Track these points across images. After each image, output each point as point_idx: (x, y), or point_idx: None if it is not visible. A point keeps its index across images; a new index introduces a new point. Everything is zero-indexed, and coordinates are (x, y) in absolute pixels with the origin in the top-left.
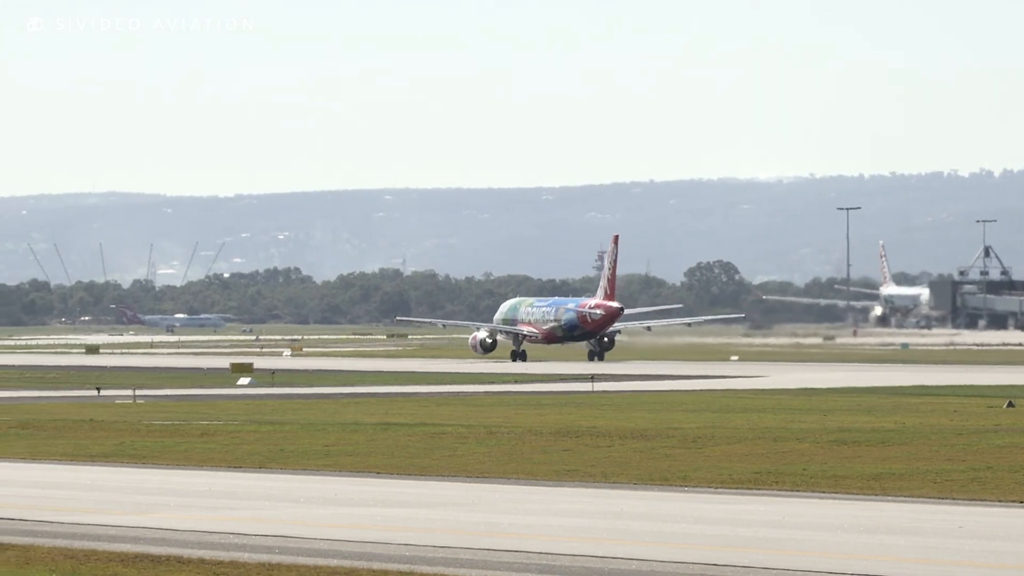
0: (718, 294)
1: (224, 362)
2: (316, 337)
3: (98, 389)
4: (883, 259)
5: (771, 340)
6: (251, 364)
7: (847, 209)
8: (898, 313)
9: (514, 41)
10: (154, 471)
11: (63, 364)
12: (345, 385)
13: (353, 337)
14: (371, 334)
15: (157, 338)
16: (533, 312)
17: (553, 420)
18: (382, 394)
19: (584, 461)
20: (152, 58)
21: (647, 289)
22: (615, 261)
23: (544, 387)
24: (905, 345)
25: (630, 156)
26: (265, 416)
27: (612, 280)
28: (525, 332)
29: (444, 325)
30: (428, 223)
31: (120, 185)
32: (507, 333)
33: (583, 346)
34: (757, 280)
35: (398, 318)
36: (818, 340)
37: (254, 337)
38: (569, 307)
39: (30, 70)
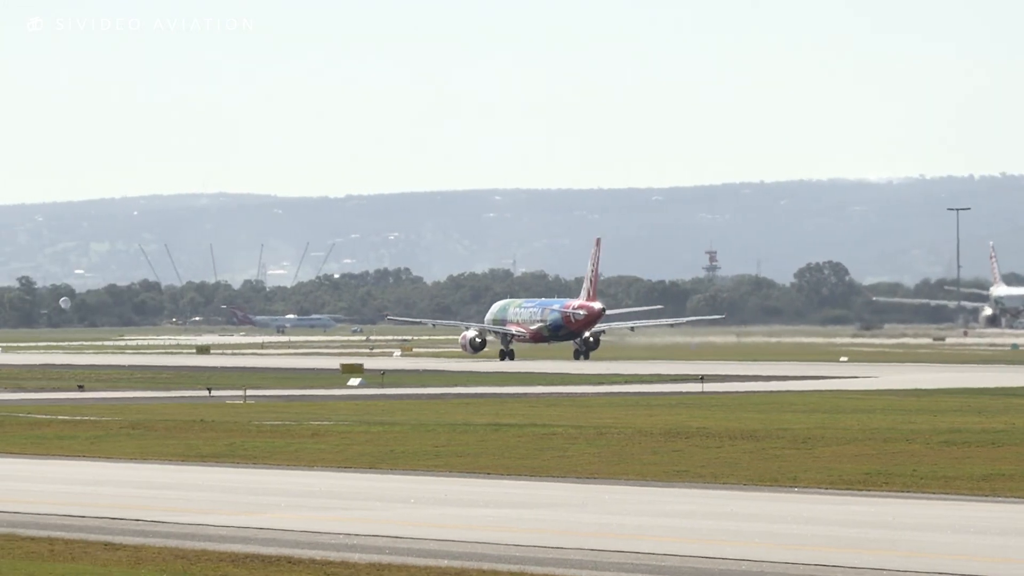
0: (828, 295)
1: (334, 363)
2: (426, 337)
3: (209, 389)
4: (993, 260)
5: (881, 341)
6: (361, 365)
7: (957, 210)
8: (1008, 314)
9: (627, 41)
10: (264, 471)
11: (174, 364)
12: (455, 386)
13: (455, 338)
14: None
15: (267, 339)
16: (521, 312)
17: (663, 421)
18: (492, 395)
19: (694, 462)
20: (264, 59)
21: (757, 290)
22: (597, 263)
23: (653, 388)
24: (1015, 345)
25: (740, 157)
26: (375, 417)
27: (594, 282)
28: (513, 332)
29: (434, 325)
30: (538, 223)
31: (230, 186)
32: (496, 333)
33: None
34: (867, 281)
35: (388, 317)
36: (928, 341)
37: (364, 338)
38: (554, 308)
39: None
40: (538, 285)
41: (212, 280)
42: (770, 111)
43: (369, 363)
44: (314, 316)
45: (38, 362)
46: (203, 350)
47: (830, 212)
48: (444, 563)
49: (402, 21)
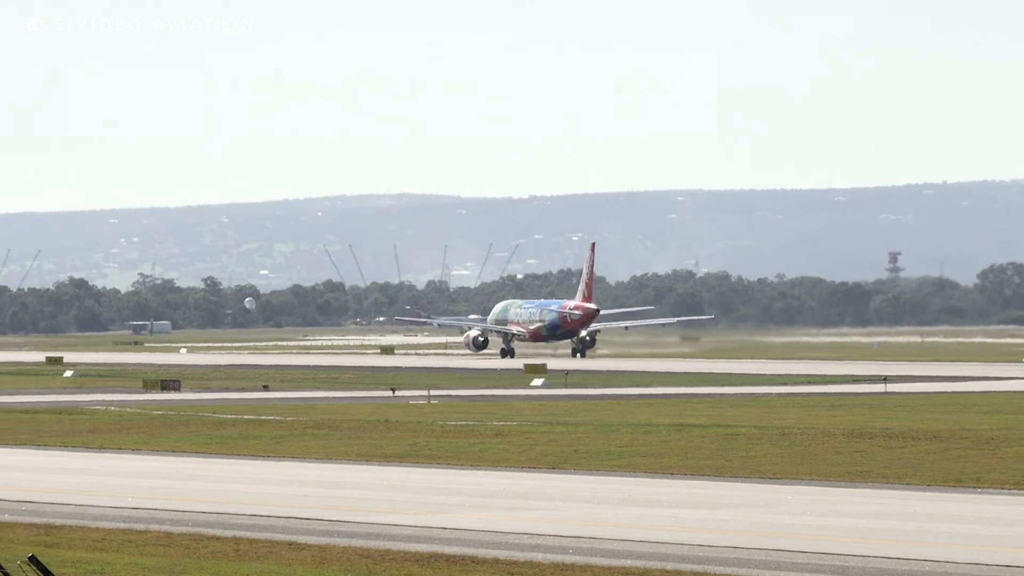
0: (1011, 296)
1: (517, 363)
2: (608, 339)
3: (393, 390)
4: None
5: None
6: (544, 365)
7: None
8: None
9: (805, 40)
10: (448, 471)
11: (358, 365)
12: (638, 386)
13: (644, 339)
14: (663, 336)
15: (451, 339)
16: (521, 313)
17: (846, 421)
18: (675, 395)
19: (877, 462)
20: (446, 60)
21: (940, 292)
22: (592, 266)
23: (835, 388)
24: None
25: (922, 157)
26: (558, 417)
27: (589, 284)
28: (514, 331)
29: (439, 324)
30: (720, 224)
31: (414, 187)
32: (497, 332)
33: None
34: None
35: (396, 318)
36: None
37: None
38: (552, 308)
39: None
40: (720, 286)
41: (396, 281)
42: (952, 111)
43: (552, 363)
44: None
45: (223, 362)
46: (387, 350)
47: (1013, 212)
48: (627, 563)
49: (587, 20)
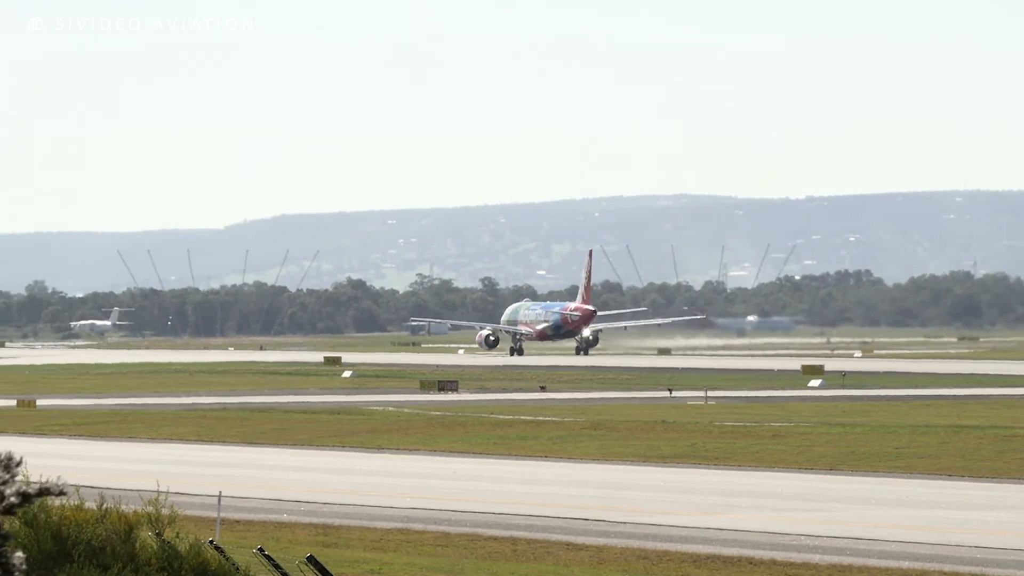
0: None
1: (795, 364)
2: (887, 340)
3: (670, 390)
4: None
5: None
6: (822, 366)
7: None
8: None
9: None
10: (725, 472)
11: (635, 366)
12: (915, 387)
13: (922, 340)
14: (941, 337)
15: (730, 341)
16: (529, 314)
17: None
18: (952, 396)
19: None
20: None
21: None
22: (590, 272)
23: None
24: None
25: None
26: (836, 418)
27: (588, 287)
28: (522, 331)
29: (451, 325)
30: (1000, 225)
31: (691, 187)
32: (506, 332)
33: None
34: None
35: (412, 319)
36: None
37: (825, 339)
38: (555, 310)
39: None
40: (999, 287)
41: (673, 281)
42: None
43: (830, 364)
44: (775, 318)
45: (499, 363)
46: (664, 352)
47: None
48: (904, 565)
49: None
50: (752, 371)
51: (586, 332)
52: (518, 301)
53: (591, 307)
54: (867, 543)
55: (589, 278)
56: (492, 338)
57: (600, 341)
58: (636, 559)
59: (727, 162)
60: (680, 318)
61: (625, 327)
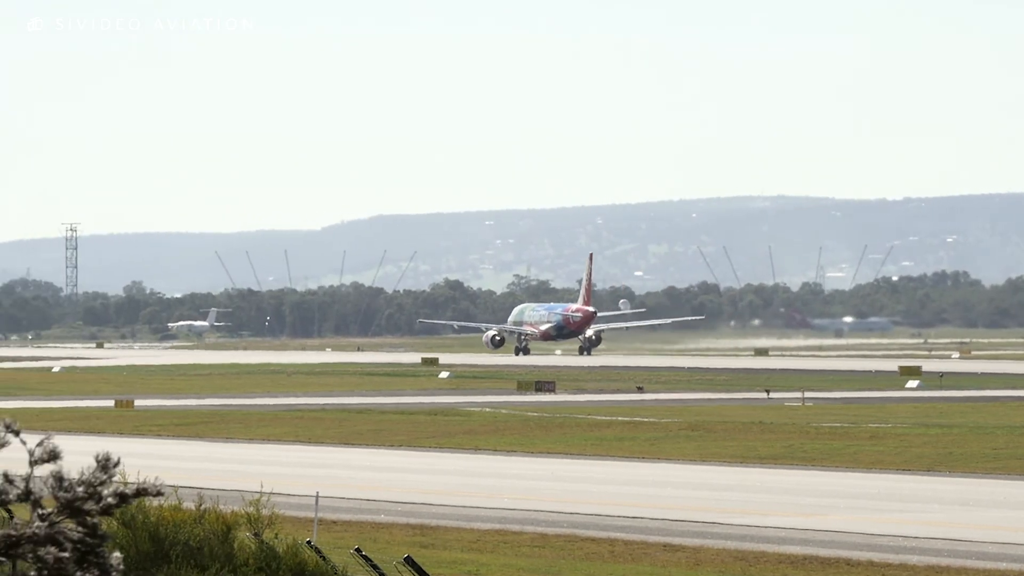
0: None
1: (892, 365)
2: (985, 341)
3: (767, 391)
4: None
5: None
6: (919, 367)
7: None
8: None
9: None
10: (823, 473)
11: (732, 367)
12: (1013, 388)
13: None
14: None
15: (824, 341)
16: (533, 315)
17: None
18: None
19: None
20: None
21: None
22: (590, 274)
23: None
24: None
25: None
26: (933, 419)
27: (588, 290)
28: (527, 332)
29: (457, 326)
30: None
31: (788, 188)
32: (512, 332)
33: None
34: None
35: (420, 320)
36: None
37: (922, 340)
38: (557, 311)
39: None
40: None
41: (770, 282)
42: None
43: (927, 365)
44: (872, 319)
45: (598, 364)
46: (761, 352)
47: None
48: (1003, 566)
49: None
50: (849, 372)
51: (589, 332)
52: (618, 300)
53: (592, 309)
54: (965, 544)
55: (589, 280)
56: (497, 338)
57: (603, 341)
58: (733, 560)
59: (825, 163)
60: (680, 319)
61: (626, 327)
